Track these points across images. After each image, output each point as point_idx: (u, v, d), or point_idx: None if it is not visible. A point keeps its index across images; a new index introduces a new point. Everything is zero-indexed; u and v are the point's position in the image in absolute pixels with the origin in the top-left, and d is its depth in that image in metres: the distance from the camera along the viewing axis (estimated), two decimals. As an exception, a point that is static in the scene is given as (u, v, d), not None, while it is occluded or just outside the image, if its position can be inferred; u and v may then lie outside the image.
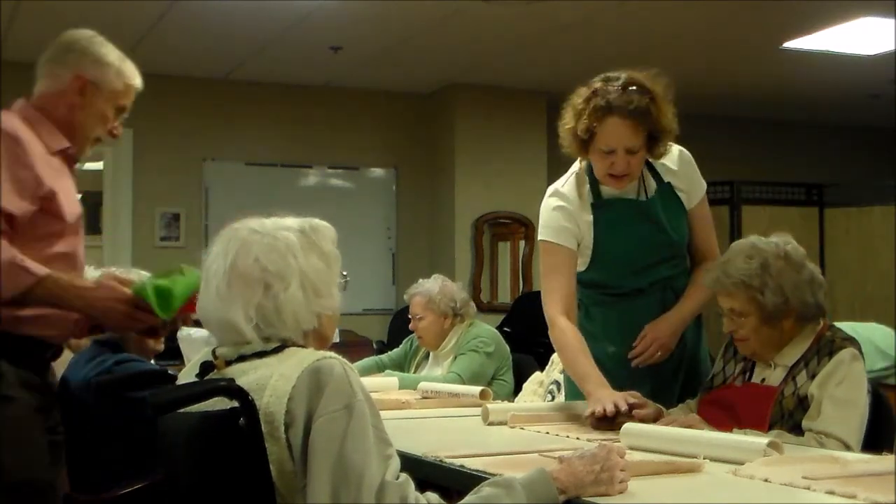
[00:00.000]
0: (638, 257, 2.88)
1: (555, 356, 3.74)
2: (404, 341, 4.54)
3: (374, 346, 6.63)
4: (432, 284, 4.35)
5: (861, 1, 5.49)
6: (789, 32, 6.14)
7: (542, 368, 3.87)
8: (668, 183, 2.90)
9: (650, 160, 2.88)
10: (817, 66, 6.91)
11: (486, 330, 4.35)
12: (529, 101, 7.58)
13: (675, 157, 2.92)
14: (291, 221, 1.88)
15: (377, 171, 7.76)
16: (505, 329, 5.97)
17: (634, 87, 2.77)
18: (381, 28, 6.01)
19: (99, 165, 7.40)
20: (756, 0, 5.45)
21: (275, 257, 1.80)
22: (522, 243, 7.62)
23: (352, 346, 6.32)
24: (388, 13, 5.69)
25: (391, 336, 6.89)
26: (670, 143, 2.89)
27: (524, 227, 7.56)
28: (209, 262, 1.84)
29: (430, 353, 4.38)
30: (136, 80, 2.62)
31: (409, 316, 4.36)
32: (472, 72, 7.10)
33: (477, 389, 3.26)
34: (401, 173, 7.75)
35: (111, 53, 2.60)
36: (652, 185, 2.90)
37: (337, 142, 7.52)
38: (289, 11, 5.61)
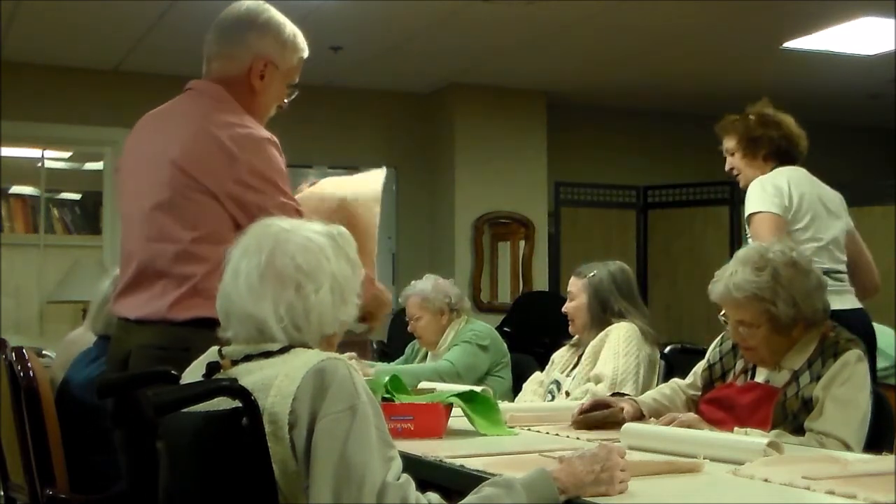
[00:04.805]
0: None
1: (554, 356, 3.74)
2: (407, 347, 4.56)
3: (375, 346, 6.63)
4: (424, 284, 4.37)
5: (861, 1, 5.49)
6: (789, 32, 6.14)
7: (541, 368, 3.87)
8: None
9: None
10: (817, 66, 6.91)
11: (482, 325, 4.38)
12: (529, 101, 7.58)
13: None
14: (317, 225, 1.88)
15: (377, 171, 7.75)
16: (505, 329, 5.97)
17: None
18: (381, 28, 6.01)
19: (99, 165, 7.39)
20: (756, 0, 5.46)
21: (309, 258, 1.80)
22: (522, 243, 7.61)
23: (352, 347, 6.31)
24: (388, 13, 5.69)
25: (391, 336, 6.88)
26: None
27: (524, 226, 7.56)
28: (238, 256, 1.83)
29: (430, 353, 4.39)
30: (306, 52, 2.61)
31: (407, 319, 4.37)
32: (472, 72, 7.09)
33: (477, 389, 3.26)
34: (401, 173, 7.75)
35: (287, 27, 2.57)
36: None
37: (337, 142, 7.52)
38: (289, 11, 5.59)
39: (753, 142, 3.68)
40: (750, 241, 3.50)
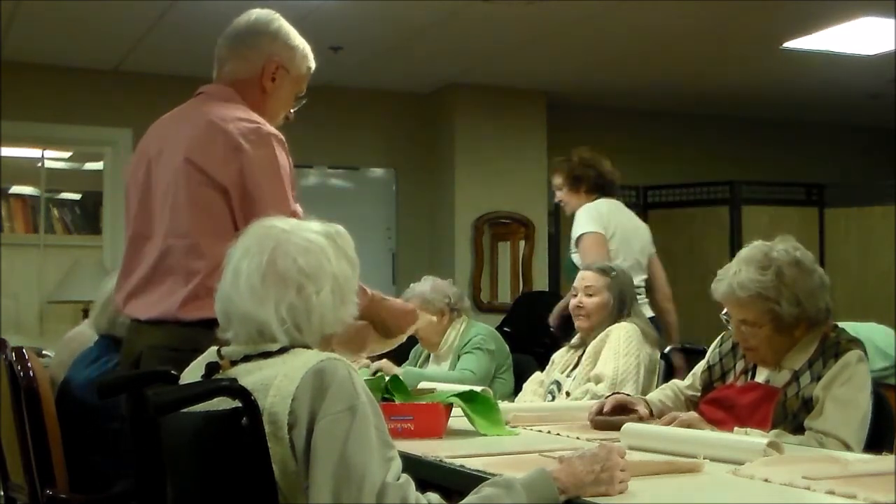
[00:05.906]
0: None
1: (555, 356, 3.74)
2: (412, 351, 4.56)
3: (374, 346, 6.62)
4: (423, 285, 4.38)
5: (861, 1, 5.49)
6: (789, 32, 6.14)
7: (542, 368, 3.87)
8: None
9: None
10: (817, 66, 6.90)
11: (485, 328, 4.38)
12: (529, 101, 7.57)
13: None
14: (316, 225, 1.88)
15: (377, 171, 7.75)
16: (505, 329, 5.96)
17: None
18: (381, 28, 6.01)
19: (99, 165, 7.39)
20: (756, 0, 5.46)
21: (311, 259, 1.80)
22: (522, 243, 7.61)
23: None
24: (388, 13, 5.69)
25: (391, 336, 6.87)
26: None
27: (524, 226, 7.55)
28: (238, 256, 1.83)
29: (431, 354, 4.39)
30: (313, 64, 2.67)
31: None
32: (472, 72, 7.09)
33: (478, 389, 3.25)
34: (401, 173, 7.75)
35: (296, 36, 2.64)
36: None
37: (337, 142, 7.51)
38: (289, 11, 5.57)
39: (577, 179, 4.54)
40: (576, 257, 4.36)
